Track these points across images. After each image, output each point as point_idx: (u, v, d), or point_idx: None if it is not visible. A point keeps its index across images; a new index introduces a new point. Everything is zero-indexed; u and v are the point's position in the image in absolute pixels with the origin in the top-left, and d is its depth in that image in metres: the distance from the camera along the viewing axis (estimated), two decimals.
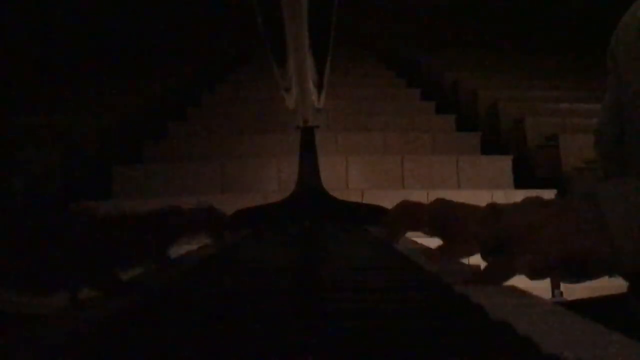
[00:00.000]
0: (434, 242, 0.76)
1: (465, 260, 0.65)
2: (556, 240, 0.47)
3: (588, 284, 0.52)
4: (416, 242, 0.82)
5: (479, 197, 3.49)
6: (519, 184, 4.08)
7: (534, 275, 0.47)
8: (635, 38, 0.72)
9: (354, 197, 2.93)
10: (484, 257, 0.52)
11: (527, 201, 0.53)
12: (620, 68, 0.76)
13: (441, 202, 0.71)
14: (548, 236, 0.47)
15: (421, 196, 3.51)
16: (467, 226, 0.60)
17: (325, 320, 0.32)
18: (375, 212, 1.24)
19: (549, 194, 3.43)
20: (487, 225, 0.50)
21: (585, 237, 0.47)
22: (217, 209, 0.76)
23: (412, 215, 0.75)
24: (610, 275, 0.51)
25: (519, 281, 0.48)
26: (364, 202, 3.13)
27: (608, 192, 0.48)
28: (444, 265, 0.56)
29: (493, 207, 0.57)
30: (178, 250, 0.72)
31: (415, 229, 0.76)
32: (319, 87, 1.54)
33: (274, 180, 3.88)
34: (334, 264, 0.60)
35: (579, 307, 0.48)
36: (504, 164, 4.17)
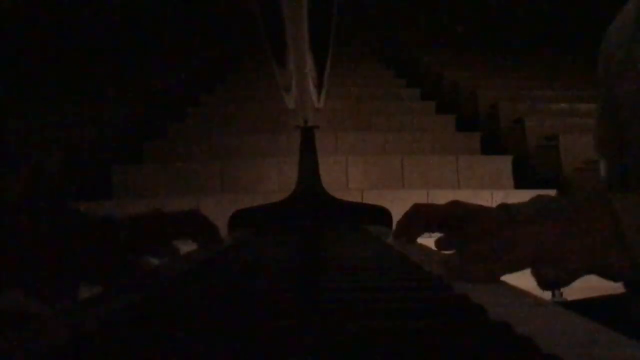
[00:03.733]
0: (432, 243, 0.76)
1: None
2: (577, 255, 0.47)
3: (588, 283, 0.52)
4: (416, 242, 0.82)
5: (479, 197, 3.49)
6: (519, 184, 4.08)
7: (553, 288, 0.48)
8: (625, 52, 0.72)
9: (354, 197, 2.93)
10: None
11: (538, 203, 0.53)
12: (611, 79, 0.76)
13: (456, 203, 0.72)
14: (565, 248, 0.47)
15: (421, 196, 3.51)
16: (482, 226, 0.60)
17: (325, 320, 0.32)
18: (375, 212, 1.24)
19: (549, 194, 3.42)
20: (497, 236, 0.50)
21: (604, 251, 0.47)
22: (201, 214, 0.75)
23: (426, 216, 0.76)
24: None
25: (520, 281, 0.48)
26: (364, 202, 3.13)
27: (625, 205, 0.48)
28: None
29: (504, 208, 0.57)
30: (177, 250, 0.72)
31: (429, 230, 0.77)
32: (319, 87, 1.54)
33: (274, 180, 3.88)
34: (334, 264, 0.59)
35: (579, 307, 0.48)
36: (504, 164, 4.18)
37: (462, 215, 0.68)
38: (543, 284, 0.48)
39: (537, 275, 0.48)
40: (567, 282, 0.48)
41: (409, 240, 0.79)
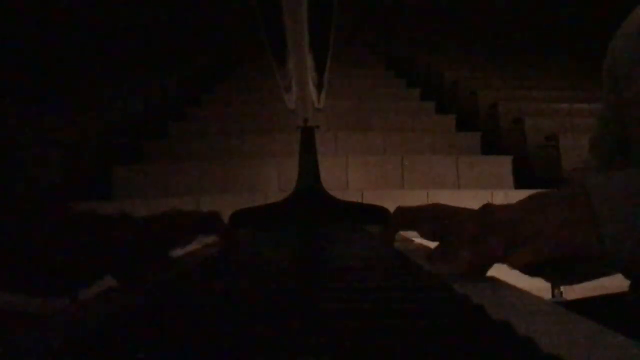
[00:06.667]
0: (433, 243, 0.76)
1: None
2: (546, 233, 0.47)
3: (588, 283, 0.52)
4: (415, 242, 0.82)
5: (479, 197, 3.49)
6: (519, 184, 4.08)
7: (524, 269, 0.48)
8: (633, 54, 0.72)
9: (354, 197, 2.93)
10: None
11: (526, 200, 0.53)
12: (619, 81, 0.75)
13: (434, 206, 0.71)
14: (538, 228, 0.47)
15: (421, 196, 3.51)
16: (461, 224, 0.60)
17: (325, 320, 0.32)
18: (375, 212, 1.24)
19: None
20: (477, 219, 0.51)
21: (574, 229, 0.47)
22: (219, 216, 0.75)
23: (408, 219, 0.75)
24: (603, 275, 0.51)
25: (519, 281, 0.48)
26: (364, 202, 3.13)
27: (597, 184, 0.48)
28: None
29: (487, 209, 0.57)
30: (178, 250, 0.72)
31: (414, 230, 0.76)
32: (319, 87, 1.54)
33: (274, 180, 3.88)
34: (334, 264, 0.59)
35: (579, 307, 0.48)
36: (504, 164, 4.17)
37: (442, 215, 0.68)
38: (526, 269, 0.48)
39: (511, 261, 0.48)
40: (536, 262, 0.48)
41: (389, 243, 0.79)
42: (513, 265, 0.48)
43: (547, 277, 0.52)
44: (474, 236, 0.49)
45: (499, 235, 0.48)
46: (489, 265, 0.49)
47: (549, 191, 0.53)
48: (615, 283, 0.55)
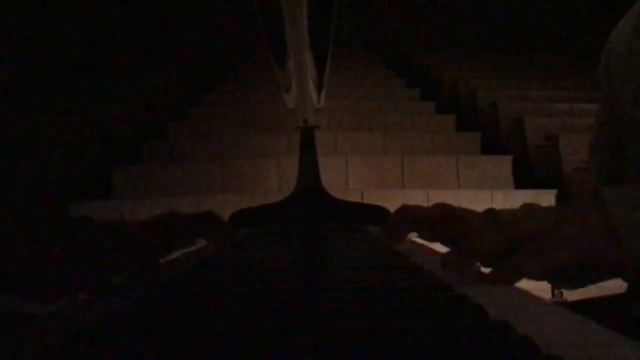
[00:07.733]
0: (434, 243, 0.76)
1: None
2: (564, 244, 0.47)
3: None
4: (416, 242, 0.82)
5: (479, 197, 3.49)
6: (519, 184, 4.08)
7: (542, 278, 0.48)
8: (628, 54, 0.72)
9: (354, 197, 2.93)
10: (486, 264, 0.52)
11: (525, 206, 0.53)
12: (614, 81, 0.75)
13: (441, 206, 0.71)
14: (556, 239, 0.47)
15: (421, 196, 3.51)
16: (467, 231, 0.60)
17: (325, 320, 0.32)
18: (375, 212, 1.24)
19: (549, 194, 3.43)
20: (491, 231, 0.50)
21: (592, 241, 0.47)
22: (216, 215, 0.75)
23: (412, 219, 0.75)
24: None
25: (519, 281, 0.48)
26: (364, 202, 3.13)
27: (615, 195, 0.48)
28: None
29: (491, 212, 0.57)
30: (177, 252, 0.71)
31: (416, 230, 0.76)
32: (319, 87, 1.54)
33: (274, 180, 3.88)
34: (334, 264, 0.59)
35: (579, 307, 0.48)
36: (504, 164, 4.17)
37: (448, 216, 0.68)
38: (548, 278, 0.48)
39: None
40: (552, 277, 0.48)
41: (395, 241, 0.79)
42: (530, 276, 0.48)
43: (553, 281, 0.52)
44: (494, 248, 0.49)
45: (520, 250, 0.48)
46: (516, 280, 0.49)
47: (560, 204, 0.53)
48: (615, 283, 0.55)
